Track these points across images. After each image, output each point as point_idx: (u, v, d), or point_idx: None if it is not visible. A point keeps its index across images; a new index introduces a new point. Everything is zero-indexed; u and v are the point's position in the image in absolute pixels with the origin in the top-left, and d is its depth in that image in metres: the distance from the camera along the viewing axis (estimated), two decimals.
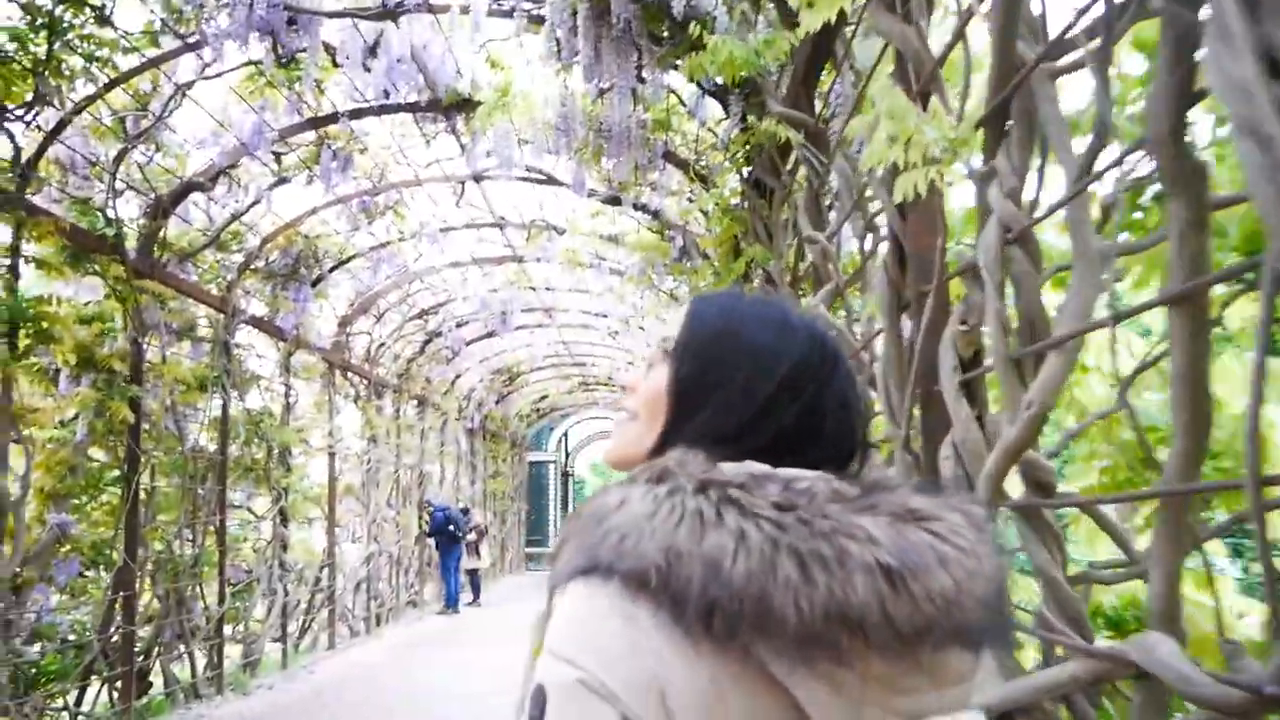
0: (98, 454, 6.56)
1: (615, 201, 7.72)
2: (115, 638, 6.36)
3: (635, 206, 7.62)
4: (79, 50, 4.69)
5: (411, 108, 6.41)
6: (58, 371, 5.77)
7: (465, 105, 6.29)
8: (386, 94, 5.90)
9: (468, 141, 6.83)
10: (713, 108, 5.63)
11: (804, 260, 4.27)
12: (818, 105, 4.10)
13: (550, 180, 7.71)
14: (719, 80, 4.96)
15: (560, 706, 0.69)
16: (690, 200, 6.78)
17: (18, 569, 5.41)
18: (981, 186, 1.87)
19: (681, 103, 5.81)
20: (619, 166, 6.35)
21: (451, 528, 13.82)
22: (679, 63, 4.84)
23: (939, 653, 0.69)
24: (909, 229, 2.31)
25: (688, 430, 0.87)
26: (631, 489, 0.77)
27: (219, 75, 5.56)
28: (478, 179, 7.86)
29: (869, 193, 2.79)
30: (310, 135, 6.84)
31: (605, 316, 12.67)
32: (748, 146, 4.77)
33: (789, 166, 4.39)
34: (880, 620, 0.65)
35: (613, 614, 0.70)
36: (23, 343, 5.21)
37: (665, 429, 0.90)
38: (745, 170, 5.05)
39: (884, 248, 2.58)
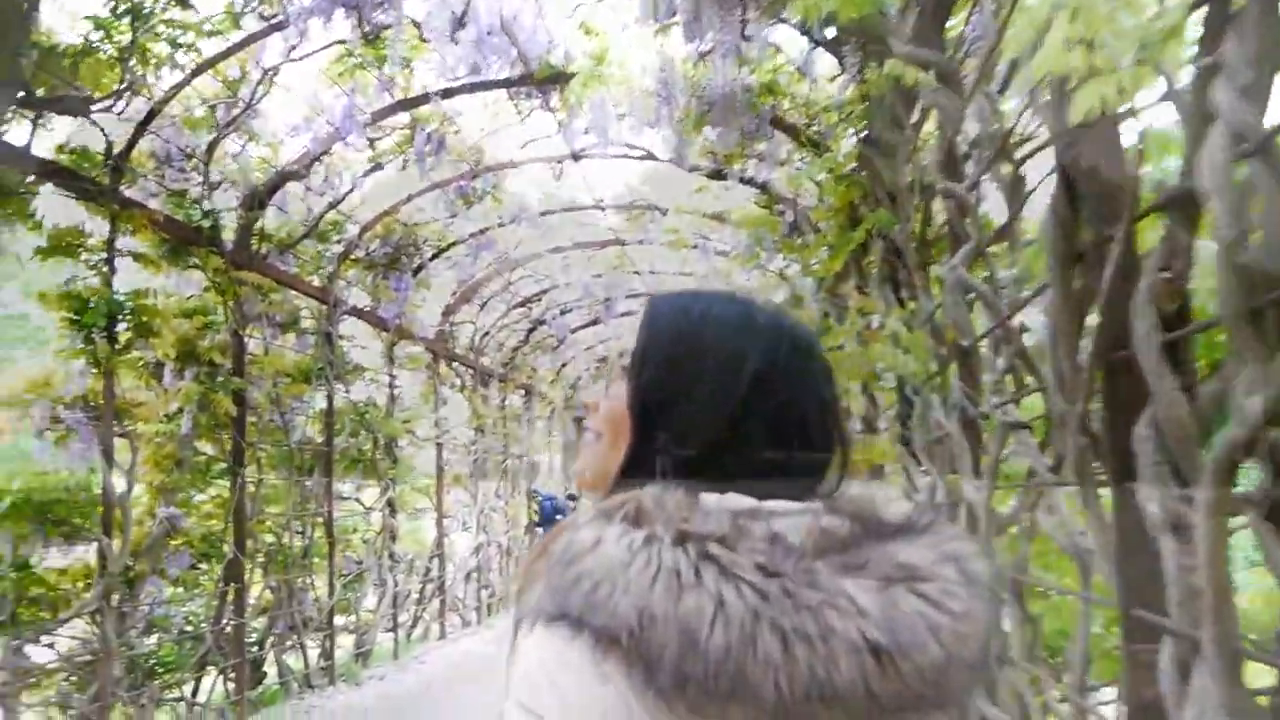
0: (205, 447, 6.58)
1: (720, 175, 7.30)
2: (227, 629, 6.37)
3: (741, 180, 7.19)
4: (163, 36, 4.58)
5: (504, 83, 6.16)
6: (160, 365, 5.77)
7: (559, 78, 6.00)
8: (477, 69, 5.66)
9: (563, 118, 6.54)
10: (824, 64, 5.18)
11: (932, 224, 3.83)
12: (947, 51, 3.63)
13: (650, 156, 7.37)
14: (831, 30, 4.52)
15: None
16: (799, 169, 6.32)
17: (129, 562, 5.43)
18: (1199, 87, 1.43)
19: (789, 61, 5.37)
20: (723, 136, 5.96)
21: (559, 517, 13.78)
22: (785, 13, 4.42)
23: (922, 718, 0.68)
24: (1085, 159, 1.87)
25: (655, 448, 0.82)
26: (607, 528, 0.71)
27: (306, 57, 5.43)
28: (576, 158, 7.58)
29: (1029, 117, 2.34)
30: (403, 119, 6.68)
31: None
32: (865, 102, 4.31)
33: (914, 119, 3.93)
34: (863, 696, 0.64)
35: (584, 670, 0.67)
36: (123, 337, 5.20)
37: (631, 448, 0.86)
38: (863, 131, 4.59)
39: (1043, 193, 2.15)
